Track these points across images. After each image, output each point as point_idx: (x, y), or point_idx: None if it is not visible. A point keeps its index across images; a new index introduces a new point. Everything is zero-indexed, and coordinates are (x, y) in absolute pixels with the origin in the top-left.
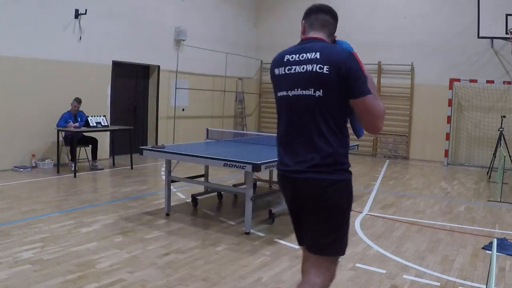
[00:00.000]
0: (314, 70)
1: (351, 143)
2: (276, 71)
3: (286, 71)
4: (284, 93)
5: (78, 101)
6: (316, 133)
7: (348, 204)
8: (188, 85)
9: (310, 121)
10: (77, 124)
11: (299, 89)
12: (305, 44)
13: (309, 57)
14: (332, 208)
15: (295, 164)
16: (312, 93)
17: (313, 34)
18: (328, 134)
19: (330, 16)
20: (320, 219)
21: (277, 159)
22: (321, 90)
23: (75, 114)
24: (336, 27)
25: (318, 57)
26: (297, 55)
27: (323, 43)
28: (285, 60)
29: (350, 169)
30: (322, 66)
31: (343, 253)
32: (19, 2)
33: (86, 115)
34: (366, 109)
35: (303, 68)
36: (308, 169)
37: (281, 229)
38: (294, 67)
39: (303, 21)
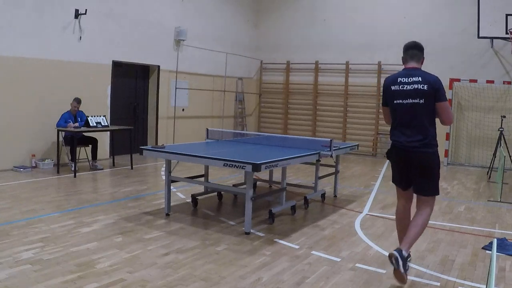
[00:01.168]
0: (419, 88)
1: (352, 142)
2: (392, 87)
3: (401, 88)
4: (400, 101)
5: (77, 101)
6: (420, 125)
7: (438, 165)
8: (188, 85)
9: (416, 117)
10: (77, 124)
11: (410, 99)
12: (409, 71)
13: (415, 80)
14: (429, 168)
15: (408, 142)
16: (418, 101)
17: (412, 64)
18: (426, 125)
19: (419, 50)
20: (424, 174)
21: (393, 138)
22: (423, 99)
23: (75, 114)
24: (423, 54)
25: (420, 80)
26: (406, 78)
27: (420, 70)
28: (398, 81)
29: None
30: (424, 85)
31: (438, 194)
32: (19, 2)
33: (86, 115)
34: (443, 110)
35: (412, 87)
36: (417, 145)
37: (281, 229)
38: (405, 86)
39: (404, 54)
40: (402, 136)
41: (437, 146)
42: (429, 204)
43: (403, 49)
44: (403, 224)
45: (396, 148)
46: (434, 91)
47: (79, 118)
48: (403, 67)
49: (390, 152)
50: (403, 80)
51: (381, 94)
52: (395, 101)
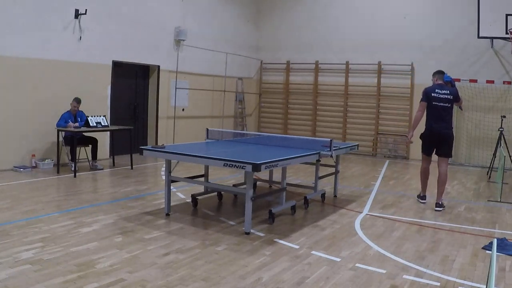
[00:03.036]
0: (447, 97)
1: (352, 142)
2: (432, 94)
3: (437, 95)
4: (436, 103)
5: (77, 101)
6: (446, 117)
7: (453, 140)
8: (188, 85)
9: (445, 114)
10: (77, 124)
11: (442, 103)
12: (441, 86)
13: (445, 92)
14: (450, 141)
15: (439, 127)
16: (447, 105)
17: (440, 82)
18: (450, 118)
19: (442, 74)
20: (447, 145)
21: (429, 125)
22: (449, 104)
23: (75, 114)
24: (443, 75)
25: (448, 92)
26: (440, 90)
27: (446, 86)
28: (435, 91)
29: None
30: (451, 96)
31: (452, 157)
32: (19, 2)
33: (86, 115)
34: (460, 103)
35: (444, 96)
36: (445, 129)
37: (281, 229)
38: (440, 94)
39: (436, 76)
40: (435, 124)
41: (453, 129)
42: (447, 163)
43: (436, 73)
44: (426, 176)
45: (431, 131)
46: (455, 99)
47: (79, 118)
48: (403, 67)
49: (425, 134)
50: (438, 91)
51: (380, 94)
52: (433, 103)
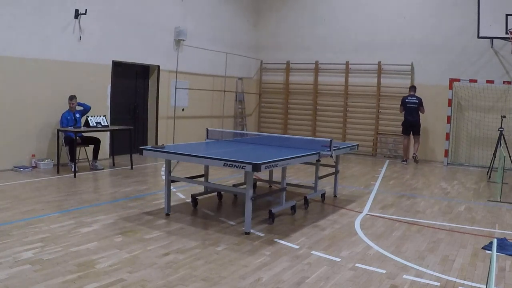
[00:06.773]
0: (414, 101)
1: (352, 142)
2: (406, 100)
3: (408, 101)
4: (409, 105)
5: (72, 98)
6: (416, 113)
7: (420, 126)
8: (188, 85)
9: (415, 111)
10: (72, 127)
11: (412, 105)
12: (412, 95)
13: (413, 99)
14: (418, 126)
15: (410, 119)
16: (415, 106)
17: (412, 92)
18: (417, 113)
19: (415, 88)
20: (416, 128)
21: (405, 117)
22: (416, 105)
23: (74, 112)
24: (415, 89)
25: (415, 99)
26: (411, 98)
27: (415, 95)
28: (408, 98)
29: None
30: (417, 101)
31: (420, 135)
32: (19, 2)
33: (87, 115)
34: (422, 109)
35: (412, 101)
36: (415, 119)
37: (281, 229)
38: (410, 100)
39: (410, 89)
40: (408, 117)
41: (420, 120)
42: (418, 138)
43: (410, 88)
44: (407, 147)
45: (406, 120)
46: (420, 102)
47: (78, 115)
48: (403, 67)
49: (403, 122)
50: (410, 98)
51: (380, 94)
52: (407, 105)
